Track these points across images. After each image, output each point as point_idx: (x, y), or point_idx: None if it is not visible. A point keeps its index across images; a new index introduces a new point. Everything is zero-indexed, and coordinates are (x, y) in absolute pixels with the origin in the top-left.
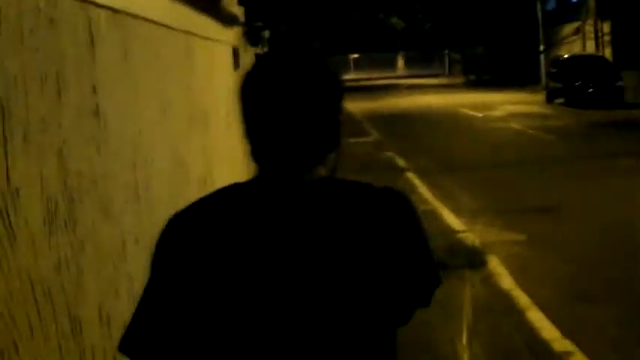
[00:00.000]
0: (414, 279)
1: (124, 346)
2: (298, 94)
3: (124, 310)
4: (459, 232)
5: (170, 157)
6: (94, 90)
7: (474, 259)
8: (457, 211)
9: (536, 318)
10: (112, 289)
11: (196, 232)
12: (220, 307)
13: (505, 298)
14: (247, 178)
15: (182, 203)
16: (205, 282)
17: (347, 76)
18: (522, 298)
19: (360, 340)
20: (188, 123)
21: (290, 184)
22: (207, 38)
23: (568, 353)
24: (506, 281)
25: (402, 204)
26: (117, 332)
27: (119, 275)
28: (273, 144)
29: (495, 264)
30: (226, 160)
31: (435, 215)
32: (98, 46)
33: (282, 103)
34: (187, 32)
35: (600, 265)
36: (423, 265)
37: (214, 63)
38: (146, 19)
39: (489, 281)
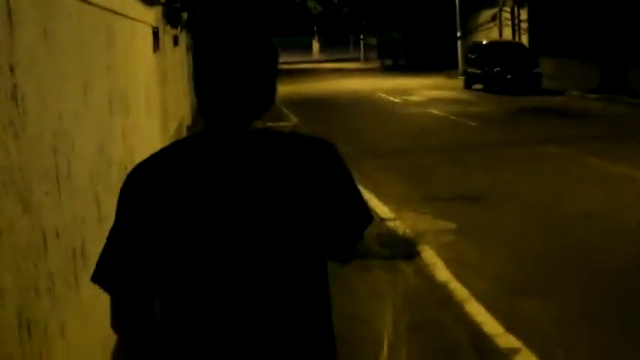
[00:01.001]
0: (346, 215)
1: (96, 278)
2: (244, 55)
3: (45, 311)
4: (388, 220)
5: (92, 142)
6: (12, 70)
7: (407, 249)
8: (384, 199)
9: (477, 311)
10: (31, 289)
11: (156, 177)
12: (178, 238)
13: (442, 290)
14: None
15: (102, 192)
16: (165, 218)
17: None
18: (460, 291)
19: (297, 267)
20: (109, 105)
21: (233, 135)
22: (127, 17)
23: (514, 350)
24: (442, 272)
25: (330, 150)
26: (37, 338)
27: (39, 273)
28: (219, 99)
29: (429, 254)
30: (147, 143)
31: None
32: (18, 24)
33: (229, 63)
34: (108, 10)
35: (535, 253)
36: (353, 202)
37: (135, 43)
38: None
39: (424, 272)
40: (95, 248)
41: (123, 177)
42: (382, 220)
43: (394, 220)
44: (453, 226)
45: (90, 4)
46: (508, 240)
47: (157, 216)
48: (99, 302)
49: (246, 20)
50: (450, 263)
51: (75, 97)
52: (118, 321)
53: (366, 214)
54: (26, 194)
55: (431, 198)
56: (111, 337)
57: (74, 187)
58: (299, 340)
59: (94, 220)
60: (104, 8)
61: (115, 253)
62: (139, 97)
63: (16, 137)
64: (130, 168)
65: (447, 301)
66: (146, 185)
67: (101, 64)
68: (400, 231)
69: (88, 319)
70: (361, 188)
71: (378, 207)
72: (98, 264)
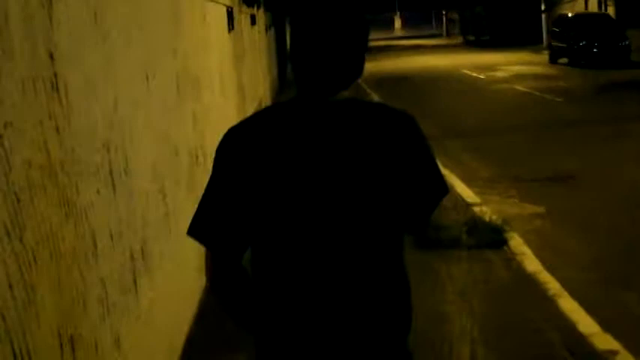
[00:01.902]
0: (423, 186)
1: (191, 232)
2: (336, 28)
3: (94, 324)
4: (473, 204)
5: (155, 131)
6: (51, 57)
7: (494, 237)
8: (468, 181)
9: (570, 308)
10: (77, 302)
11: (248, 138)
12: (266, 197)
13: (532, 283)
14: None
15: (169, 184)
16: (255, 177)
17: None
18: (552, 284)
19: (374, 229)
20: (176, 90)
21: (321, 102)
22: None
23: (612, 352)
24: (532, 263)
25: (411, 122)
26: (84, 355)
27: (87, 283)
28: (311, 68)
29: (517, 242)
30: (223, 126)
31: None
32: (57, 3)
33: (323, 35)
34: None
35: (630, 239)
36: (431, 174)
37: (207, 23)
38: None
39: (513, 263)
40: (160, 247)
41: (193, 167)
42: (468, 205)
43: (480, 205)
44: (542, 210)
45: None
46: (601, 225)
47: (247, 175)
48: (160, 307)
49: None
50: (539, 252)
51: (133, 84)
52: (213, 270)
53: (443, 186)
54: (71, 195)
55: (517, 179)
56: (176, 347)
57: (133, 181)
58: (373, 298)
59: (159, 216)
60: None
61: (210, 209)
62: (212, 79)
63: (58, 132)
64: (200, 158)
65: (538, 296)
66: (239, 146)
67: (166, 47)
68: (487, 217)
69: (149, 327)
70: (445, 170)
71: (463, 190)
72: (193, 219)
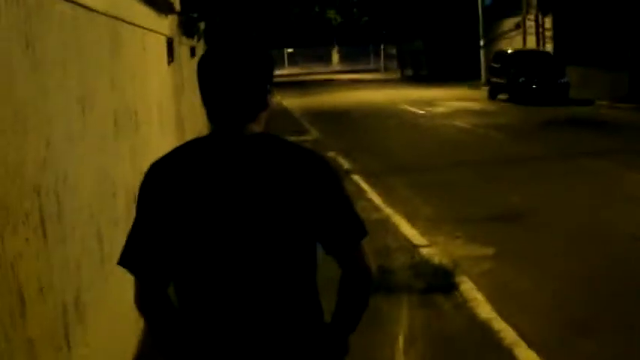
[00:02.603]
0: (336, 225)
1: (121, 262)
2: (236, 70)
3: None
4: (420, 246)
5: (89, 171)
6: None
7: (443, 280)
8: (413, 220)
9: (527, 358)
10: None
11: (166, 174)
12: (183, 229)
13: (486, 331)
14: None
15: (105, 227)
16: (173, 210)
17: (281, 72)
18: (507, 332)
19: (282, 261)
20: (114, 124)
21: (233, 137)
22: (138, 26)
23: None
24: (484, 309)
25: (322, 162)
26: None
27: (13, 346)
28: (219, 107)
29: (468, 286)
30: None
31: (389, 225)
32: None
33: (225, 77)
34: (113, 17)
35: (584, 281)
36: (343, 214)
37: (146, 55)
38: None
39: (464, 309)
40: (96, 294)
41: (131, 202)
42: (415, 247)
43: (427, 246)
44: (491, 251)
45: (89, 9)
46: (553, 267)
47: (166, 207)
48: None
49: (239, 39)
50: (491, 296)
51: (69, 118)
52: (139, 297)
53: (359, 227)
54: None
55: (464, 219)
56: None
57: (66, 227)
58: (283, 324)
59: (95, 261)
60: (108, 15)
61: (136, 241)
62: (150, 112)
63: None
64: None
65: (493, 345)
66: (157, 182)
67: (104, 78)
68: (436, 260)
69: None
70: (388, 208)
71: (408, 230)
72: (123, 250)
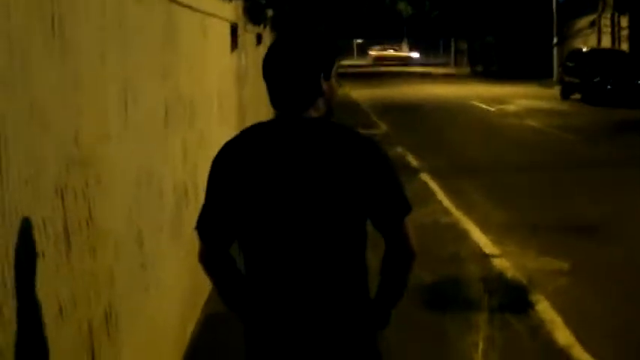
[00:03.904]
0: (385, 201)
1: (197, 227)
2: (292, 60)
3: None
4: (491, 256)
5: (130, 172)
6: None
7: (517, 298)
8: (484, 226)
9: None
10: None
11: (236, 153)
12: (247, 202)
13: None
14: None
15: (147, 231)
16: (239, 186)
17: (350, 62)
18: None
19: (334, 235)
20: (164, 117)
21: (291, 122)
22: (196, 10)
23: None
24: (562, 333)
25: (374, 145)
26: None
27: None
28: (279, 94)
29: (544, 306)
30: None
31: (459, 231)
32: None
33: (282, 67)
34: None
35: None
36: (392, 192)
37: (206, 41)
38: None
39: (541, 333)
40: (133, 304)
41: (180, 202)
42: (486, 256)
43: (499, 257)
44: (566, 265)
45: None
46: (634, 286)
47: (233, 184)
48: None
49: (301, 30)
50: (569, 318)
51: (105, 112)
52: (204, 257)
53: (405, 204)
54: (3, 265)
55: (537, 227)
56: None
57: (97, 233)
58: (334, 292)
59: (133, 269)
60: None
61: (207, 211)
62: (209, 102)
63: None
64: (191, 192)
65: None
66: (227, 160)
67: (153, 66)
68: (509, 274)
69: None
70: (458, 212)
71: (479, 238)
72: (199, 217)
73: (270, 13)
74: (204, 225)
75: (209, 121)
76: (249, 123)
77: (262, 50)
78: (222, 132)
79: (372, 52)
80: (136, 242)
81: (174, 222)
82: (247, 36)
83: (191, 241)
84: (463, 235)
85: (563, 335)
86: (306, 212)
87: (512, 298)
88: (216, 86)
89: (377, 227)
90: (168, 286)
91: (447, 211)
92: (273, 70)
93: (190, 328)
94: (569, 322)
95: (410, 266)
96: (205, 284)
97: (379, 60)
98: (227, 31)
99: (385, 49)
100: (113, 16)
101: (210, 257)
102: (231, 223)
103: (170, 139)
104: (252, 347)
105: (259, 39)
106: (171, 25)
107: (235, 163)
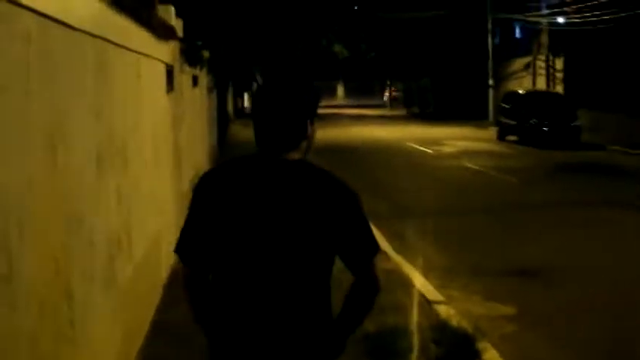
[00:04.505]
0: (355, 242)
1: (176, 250)
2: (283, 106)
3: None
4: (434, 302)
5: (57, 220)
6: None
7: (464, 347)
8: (426, 271)
9: None
10: None
11: (217, 183)
12: (222, 231)
13: None
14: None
15: (77, 285)
16: (216, 214)
17: None
18: None
19: (303, 270)
20: (96, 162)
21: (274, 160)
22: (131, 50)
23: None
24: None
25: (350, 190)
26: None
27: None
28: (266, 134)
29: (492, 355)
30: (153, 204)
31: (401, 277)
32: None
33: (274, 112)
34: (100, 38)
35: (621, 350)
36: (363, 234)
37: (141, 82)
38: (29, 9)
39: None
40: None
41: (114, 252)
42: (430, 303)
43: (444, 303)
44: (512, 311)
45: (66, 26)
46: (583, 332)
47: (212, 211)
48: None
49: (287, 81)
50: None
51: (30, 159)
52: (186, 281)
53: (374, 245)
54: None
55: (480, 271)
56: None
57: (15, 290)
58: (298, 317)
59: (57, 327)
60: (92, 35)
61: (187, 235)
62: (144, 146)
63: None
64: (124, 237)
65: None
66: (208, 188)
67: (85, 107)
68: (454, 321)
69: None
70: (398, 256)
71: (423, 285)
72: (177, 241)
73: (206, 54)
74: (185, 248)
75: (143, 166)
76: (185, 165)
77: (198, 92)
78: (158, 175)
79: None
80: (64, 296)
81: (106, 273)
82: (184, 77)
83: (124, 292)
84: (405, 282)
85: None
86: (279, 244)
87: (459, 348)
88: (151, 129)
89: (347, 265)
90: (98, 340)
91: (386, 256)
92: (265, 112)
93: None
94: None
95: (373, 300)
96: (139, 332)
97: None
98: (163, 72)
99: None
100: (38, 51)
101: (193, 280)
102: (209, 247)
103: (102, 185)
104: None
105: (195, 81)
106: (104, 64)
107: (216, 191)
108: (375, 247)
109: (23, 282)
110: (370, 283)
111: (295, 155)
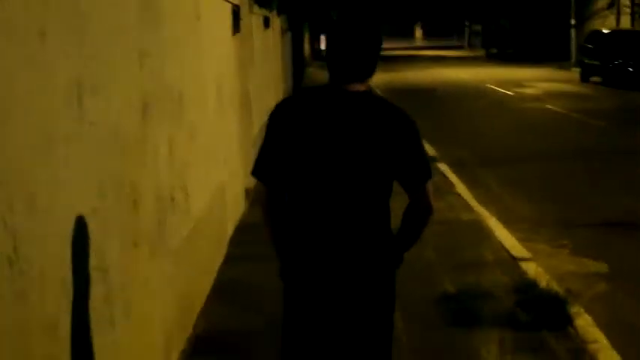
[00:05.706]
0: (411, 165)
1: (254, 172)
2: (363, 42)
3: None
4: (520, 259)
5: (88, 180)
6: None
7: (553, 311)
8: (510, 224)
9: None
10: None
11: (292, 110)
12: (299, 154)
13: None
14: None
15: (115, 253)
16: (291, 138)
17: None
18: None
19: (365, 188)
20: (140, 115)
21: (344, 91)
22: None
23: None
24: (608, 354)
25: (409, 119)
26: None
27: None
28: (338, 67)
29: (585, 321)
30: (216, 153)
31: (483, 230)
32: None
33: (355, 47)
34: None
35: None
36: (418, 158)
37: (201, 22)
38: None
39: (584, 357)
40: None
41: (166, 210)
42: (515, 260)
43: (530, 260)
44: (604, 268)
45: None
46: None
47: (288, 136)
48: None
49: (362, 19)
50: (614, 336)
51: (45, 111)
52: (266, 200)
53: (427, 171)
54: None
55: (568, 223)
56: None
57: (31, 267)
58: (363, 237)
59: (93, 302)
60: None
61: (264, 158)
62: (205, 93)
63: None
64: (179, 193)
65: None
66: (284, 114)
67: (125, 51)
68: (543, 282)
69: None
70: (480, 207)
71: (506, 238)
72: (255, 164)
73: None
74: (263, 168)
75: (204, 114)
76: (256, 113)
77: (270, 34)
78: (222, 123)
79: None
80: (97, 269)
81: (155, 237)
82: (253, 18)
83: (179, 255)
84: (488, 235)
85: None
86: (345, 166)
87: (548, 313)
88: (214, 74)
89: (403, 187)
90: (143, 314)
91: (467, 207)
92: (341, 44)
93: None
94: (615, 341)
95: (427, 219)
96: (199, 295)
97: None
98: (228, 12)
99: None
100: None
101: (271, 198)
102: (284, 167)
103: (149, 138)
104: (290, 282)
105: (267, 22)
106: (152, 5)
107: (291, 117)
108: (428, 173)
109: (34, 262)
110: (423, 205)
111: (362, 88)
